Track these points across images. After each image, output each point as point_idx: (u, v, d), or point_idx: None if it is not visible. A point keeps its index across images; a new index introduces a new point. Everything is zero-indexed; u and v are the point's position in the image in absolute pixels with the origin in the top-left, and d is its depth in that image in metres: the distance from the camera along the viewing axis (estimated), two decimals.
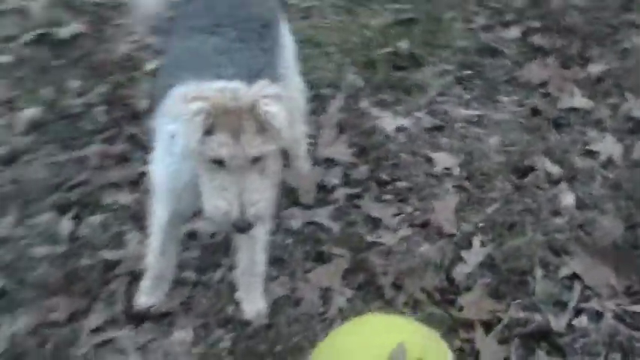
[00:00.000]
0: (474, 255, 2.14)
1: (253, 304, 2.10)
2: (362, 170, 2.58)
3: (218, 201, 1.74)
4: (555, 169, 2.42)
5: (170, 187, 1.97)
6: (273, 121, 1.66)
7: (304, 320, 2.04)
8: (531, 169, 2.44)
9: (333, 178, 2.58)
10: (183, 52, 2.08)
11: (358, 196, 2.48)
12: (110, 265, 2.30)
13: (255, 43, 2.06)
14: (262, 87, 1.72)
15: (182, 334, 2.04)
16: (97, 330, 2.08)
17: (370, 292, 2.11)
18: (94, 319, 2.10)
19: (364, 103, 2.93)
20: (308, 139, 2.66)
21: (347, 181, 2.56)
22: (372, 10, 3.47)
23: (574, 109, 2.72)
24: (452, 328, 1.94)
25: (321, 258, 2.27)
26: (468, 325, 1.94)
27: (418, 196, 2.45)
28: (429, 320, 1.94)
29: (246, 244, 2.09)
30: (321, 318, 2.06)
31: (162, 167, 1.93)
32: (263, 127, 1.69)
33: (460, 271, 2.10)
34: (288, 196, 2.53)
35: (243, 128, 1.68)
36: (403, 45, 3.16)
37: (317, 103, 2.96)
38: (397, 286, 2.10)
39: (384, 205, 2.42)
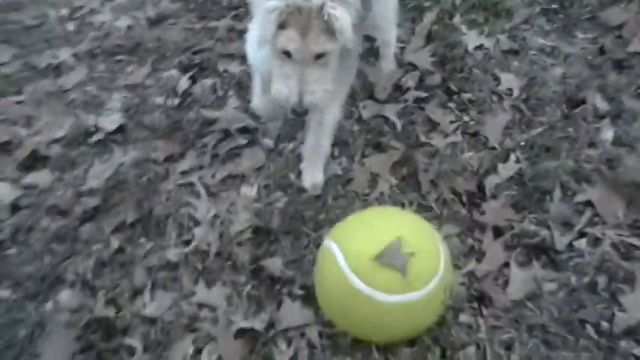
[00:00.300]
0: (507, 169, 2.37)
1: (312, 175, 2.45)
2: (436, 77, 2.81)
3: (282, 86, 2.05)
4: (604, 105, 2.54)
5: (257, 67, 2.35)
6: (336, 22, 1.91)
7: (350, 197, 2.40)
8: (582, 102, 2.58)
9: (410, 80, 2.84)
10: None
11: (425, 100, 2.72)
12: (208, 122, 2.75)
13: None
14: None
15: (248, 190, 2.46)
16: (184, 173, 2.56)
17: (410, 185, 2.41)
18: (185, 164, 2.58)
19: (456, 19, 3.11)
20: (398, 43, 2.92)
21: (420, 86, 2.80)
22: None
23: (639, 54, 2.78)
24: (469, 228, 2.22)
25: (379, 147, 2.57)
26: (484, 227, 2.21)
27: (478, 108, 2.66)
28: (453, 218, 2.27)
29: (315, 124, 2.42)
30: (364, 198, 2.39)
31: (252, 50, 2.28)
32: (328, 27, 1.94)
33: (491, 181, 2.34)
34: (367, 89, 2.81)
35: (311, 27, 1.94)
36: None
37: (416, 12, 3.20)
38: (434, 184, 2.37)
39: (445, 112, 2.66)
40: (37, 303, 2.19)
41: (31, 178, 2.66)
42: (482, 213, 2.26)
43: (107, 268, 2.26)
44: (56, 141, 2.82)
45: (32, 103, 3.08)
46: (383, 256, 1.74)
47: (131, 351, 1.99)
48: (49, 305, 2.16)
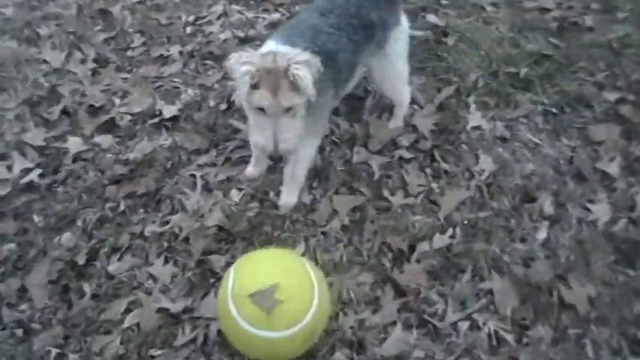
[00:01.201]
0: (441, 240, 2.68)
1: (287, 197, 2.90)
2: (427, 144, 3.14)
3: (259, 137, 2.44)
4: (550, 209, 2.81)
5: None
6: (300, 81, 2.30)
7: (307, 225, 2.82)
8: (534, 200, 2.86)
9: (405, 140, 3.18)
10: (297, 17, 2.81)
11: (408, 161, 3.06)
12: (235, 130, 3.31)
13: (347, 33, 2.63)
14: (296, 54, 2.33)
15: (235, 194, 2.98)
16: (199, 165, 3.16)
17: (356, 229, 2.79)
18: (203, 159, 3.19)
19: (471, 98, 3.40)
20: (413, 105, 3.28)
21: (411, 147, 3.14)
22: None
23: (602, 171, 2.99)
24: (383, 281, 2.58)
25: (351, 189, 2.95)
26: (395, 285, 2.55)
27: (448, 180, 2.98)
28: (374, 268, 2.62)
29: (293, 158, 2.80)
30: (320, 229, 2.80)
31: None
32: (294, 85, 2.31)
33: (422, 247, 2.67)
34: (365, 138, 3.16)
35: (280, 85, 2.31)
36: None
37: (442, 84, 3.49)
38: (374, 234, 2.74)
39: (419, 175, 2.99)
40: (47, 234, 2.85)
41: (98, 139, 3.31)
42: (402, 272, 2.59)
43: (107, 224, 2.88)
44: (131, 115, 3.45)
45: (134, 81, 3.71)
46: (256, 295, 2.13)
47: (82, 294, 2.61)
48: (55, 239, 2.82)
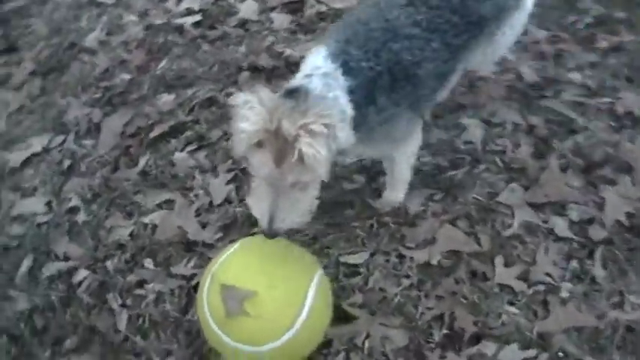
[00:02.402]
0: None
1: (391, 193, 2.33)
2: None
3: (254, 205, 1.85)
4: None
5: None
6: (309, 160, 1.65)
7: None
8: None
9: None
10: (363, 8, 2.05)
11: None
12: None
13: (440, 36, 1.91)
14: (313, 118, 1.65)
15: None
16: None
17: None
18: None
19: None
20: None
21: None
22: None
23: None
24: None
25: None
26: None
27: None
28: None
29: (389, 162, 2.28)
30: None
31: None
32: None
33: None
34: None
35: (286, 155, 1.67)
36: None
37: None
38: None
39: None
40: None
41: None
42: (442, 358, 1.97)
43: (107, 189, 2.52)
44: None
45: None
46: (227, 290, 1.76)
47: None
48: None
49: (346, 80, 1.83)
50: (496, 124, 2.46)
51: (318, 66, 1.85)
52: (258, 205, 1.82)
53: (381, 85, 1.87)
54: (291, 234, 2.25)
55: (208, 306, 1.82)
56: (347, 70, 1.83)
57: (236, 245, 1.97)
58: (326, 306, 1.93)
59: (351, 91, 1.83)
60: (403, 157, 2.20)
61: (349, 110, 1.80)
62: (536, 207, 2.27)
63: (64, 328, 2.20)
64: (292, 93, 1.78)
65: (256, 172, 1.80)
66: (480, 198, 2.31)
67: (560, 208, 2.26)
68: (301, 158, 1.66)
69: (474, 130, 2.45)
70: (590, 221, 2.23)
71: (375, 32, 1.89)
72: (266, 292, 1.76)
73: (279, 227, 1.80)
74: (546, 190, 2.29)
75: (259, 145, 1.71)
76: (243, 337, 1.79)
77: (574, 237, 2.19)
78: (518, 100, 2.53)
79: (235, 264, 1.88)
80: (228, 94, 2.62)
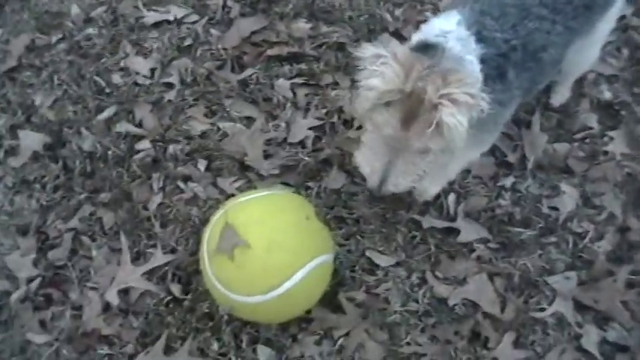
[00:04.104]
0: None
1: (429, 184, 2.16)
2: None
3: (364, 161, 1.72)
4: None
5: None
6: (447, 132, 1.50)
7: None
8: None
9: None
10: None
11: None
12: None
13: (563, 18, 1.71)
14: (456, 85, 1.46)
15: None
16: None
17: None
18: None
19: None
20: None
21: None
22: None
23: None
24: None
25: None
26: None
27: None
28: None
29: None
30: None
31: None
32: (438, 126, 1.52)
33: None
34: None
35: (417, 118, 1.52)
36: None
37: None
38: None
39: None
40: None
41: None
42: None
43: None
44: None
45: None
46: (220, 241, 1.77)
47: None
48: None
49: (480, 48, 1.65)
50: (594, 205, 2.22)
51: (449, 30, 1.66)
52: (370, 162, 1.71)
53: (514, 60, 1.70)
54: (338, 204, 2.29)
55: (209, 233, 1.85)
56: (480, 38, 1.66)
57: (267, 192, 1.97)
58: (308, 293, 1.88)
59: (482, 61, 1.65)
60: (465, 158, 2.03)
61: (480, 77, 1.63)
62: (580, 306, 2.06)
63: (105, 181, 2.33)
64: (427, 49, 1.61)
65: (376, 129, 1.65)
66: (531, 268, 2.12)
67: (602, 320, 2.05)
68: (439, 127, 1.52)
69: (567, 201, 2.22)
70: (624, 349, 2.00)
71: (511, 8, 1.71)
72: (259, 252, 1.74)
73: (390, 190, 1.71)
74: (600, 296, 2.06)
75: (387, 104, 1.56)
76: (221, 276, 1.81)
77: (598, 357, 1.97)
78: (630, 195, 2.26)
79: (251, 211, 1.86)
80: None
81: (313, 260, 1.80)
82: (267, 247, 1.75)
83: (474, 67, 1.63)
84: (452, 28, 1.66)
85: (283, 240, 1.79)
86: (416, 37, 1.74)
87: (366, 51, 1.56)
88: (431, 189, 2.20)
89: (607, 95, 2.47)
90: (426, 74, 1.49)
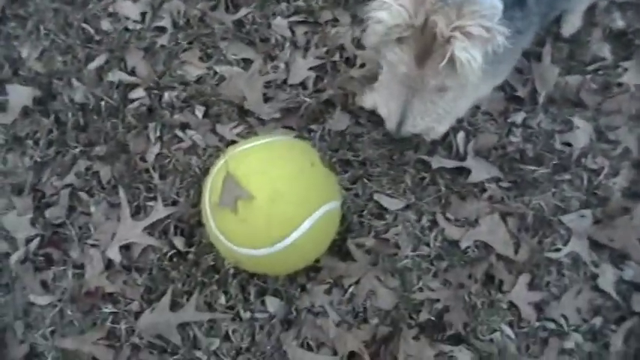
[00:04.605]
0: None
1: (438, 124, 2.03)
2: None
3: (382, 103, 1.69)
4: None
5: None
6: (462, 66, 1.40)
7: None
8: None
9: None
10: None
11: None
12: None
13: None
14: (470, 16, 1.36)
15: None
16: None
17: None
18: None
19: None
20: None
21: None
22: None
23: None
24: None
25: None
26: None
27: None
28: None
29: None
30: None
31: None
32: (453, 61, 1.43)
33: None
34: None
35: (432, 55, 1.43)
36: None
37: None
38: None
39: None
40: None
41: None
42: None
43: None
44: None
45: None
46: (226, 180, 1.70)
47: None
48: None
49: None
50: (608, 140, 2.13)
51: None
52: (387, 103, 1.66)
53: None
54: (343, 147, 2.20)
55: (210, 185, 1.76)
56: None
57: (269, 139, 1.86)
58: (316, 243, 1.82)
59: None
60: (477, 92, 1.90)
61: (500, 7, 1.46)
62: (595, 245, 2.00)
63: (100, 134, 2.23)
64: None
65: (390, 68, 1.58)
66: (545, 207, 2.05)
67: (618, 259, 1.98)
68: (452, 62, 1.42)
69: (580, 135, 2.13)
70: None
71: None
72: (262, 203, 1.66)
73: (409, 131, 1.67)
74: (616, 234, 1.99)
75: (400, 40, 1.47)
76: (224, 229, 1.73)
77: (614, 296, 1.93)
78: None
79: (253, 159, 1.77)
80: None
81: (320, 209, 1.72)
82: (271, 198, 1.67)
83: None
84: None
85: (287, 190, 1.70)
86: None
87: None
88: (439, 128, 2.07)
89: (620, 24, 2.31)
90: (439, 7, 1.37)
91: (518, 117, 2.17)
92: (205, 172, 2.01)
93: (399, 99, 1.57)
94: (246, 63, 2.31)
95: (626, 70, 2.24)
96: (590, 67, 2.24)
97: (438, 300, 1.93)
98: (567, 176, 2.09)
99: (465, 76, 1.43)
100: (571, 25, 2.28)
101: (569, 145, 2.13)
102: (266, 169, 1.73)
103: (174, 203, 2.10)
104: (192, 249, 2.04)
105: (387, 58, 1.53)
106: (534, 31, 1.75)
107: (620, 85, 2.22)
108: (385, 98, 1.66)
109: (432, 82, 1.49)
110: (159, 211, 2.09)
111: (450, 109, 1.70)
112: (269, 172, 1.72)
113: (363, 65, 2.26)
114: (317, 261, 1.95)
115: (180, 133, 2.20)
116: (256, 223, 1.68)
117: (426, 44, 1.41)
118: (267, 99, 2.23)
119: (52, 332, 2.01)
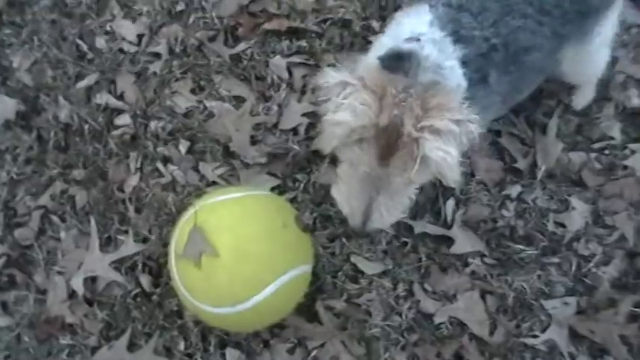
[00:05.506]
0: None
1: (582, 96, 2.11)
2: None
3: (344, 201, 1.52)
4: None
5: None
6: (436, 166, 1.31)
7: None
8: None
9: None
10: None
11: None
12: None
13: (552, 22, 1.51)
14: (437, 111, 1.27)
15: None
16: None
17: None
18: None
19: None
20: None
21: None
22: None
23: None
24: None
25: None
26: None
27: None
28: None
29: None
30: None
31: None
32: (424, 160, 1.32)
33: None
34: None
35: (397, 152, 1.32)
36: None
37: None
38: None
39: None
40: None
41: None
42: None
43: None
44: None
45: None
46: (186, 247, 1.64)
47: None
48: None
49: (460, 49, 1.45)
50: (605, 225, 2.01)
51: (421, 32, 1.45)
52: (349, 201, 1.51)
53: (496, 60, 1.50)
54: (326, 202, 2.09)
55: (178, 233, 1.70)
56: (457, 39, 1.46)
57: (244, 193, 1.80)
58: (279, 307, 1.76)
59: (464, 63, 1.45)
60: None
61: (464, 85, 1.45)
62: (575, 336, 1.88)
63: (80, 157, 2.18)
64: (399, 60, 1.38)
65: (350, 166, 1.46)
66: (528, 290, 1.94)
67: (597, 352, 1.87)
68: (425, 163, 1.32)
69: (576, 217, 2.01)
70: None
71: (491, 3, 1.49)
72: (227, 262, 1.61)
73: (374, 227, 1.53)
74: (598, 327, 1.87)
75: (360, 140, 1.36)
76: (186, 281, 1.68)
77: None
78: None
79: (224, 213, 1.72)
80: (365, 27, 2.31)
81: (287, 273, 1.66)
82: (236, 258, 1.62)
83: (455, 74, 1.44)
84: (424, 30, 1.45)
85: (254, 250, 1.64)
86: (384, 42, 1.53)
87: (330, 78, 1.35)
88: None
89: (635, 102, 2.19)
90: (402, 98, 1.29)
91: (514, 190, 2.07)
92: (181, 211, 1.92)
93: (361, 196, 1.45)
94: (238, 101, 2.24)
95: (633, 152, 2.13)
96: (597, 145, 2.14)
97: None
98: (556, 259, 1.98)
99: (442, 173, 1.33)
100: (583, 97, 2.18)
101: (562, 226, 2.03)
102: (235, 226, 1.68)
103: (145, 240, 2.05)
104: (158, 290, 1.98)
105: (346, 157, 1.43)
106: (496, 111, 1.68)
107: (625, 167, 2.11)
108: (347, 195, 1.50)
109: (397, 179, 1.39)
110: (129, 246, 2.04)
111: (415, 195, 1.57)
112: (238, 229, 1.67)
113: None
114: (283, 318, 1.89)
115: (161, 167, 2.14)
116: (219, 282, 1.62)
117: (389, 142, 1.31)
118: (254, 141, 2.16)
119: (6, 357, 1.98)
